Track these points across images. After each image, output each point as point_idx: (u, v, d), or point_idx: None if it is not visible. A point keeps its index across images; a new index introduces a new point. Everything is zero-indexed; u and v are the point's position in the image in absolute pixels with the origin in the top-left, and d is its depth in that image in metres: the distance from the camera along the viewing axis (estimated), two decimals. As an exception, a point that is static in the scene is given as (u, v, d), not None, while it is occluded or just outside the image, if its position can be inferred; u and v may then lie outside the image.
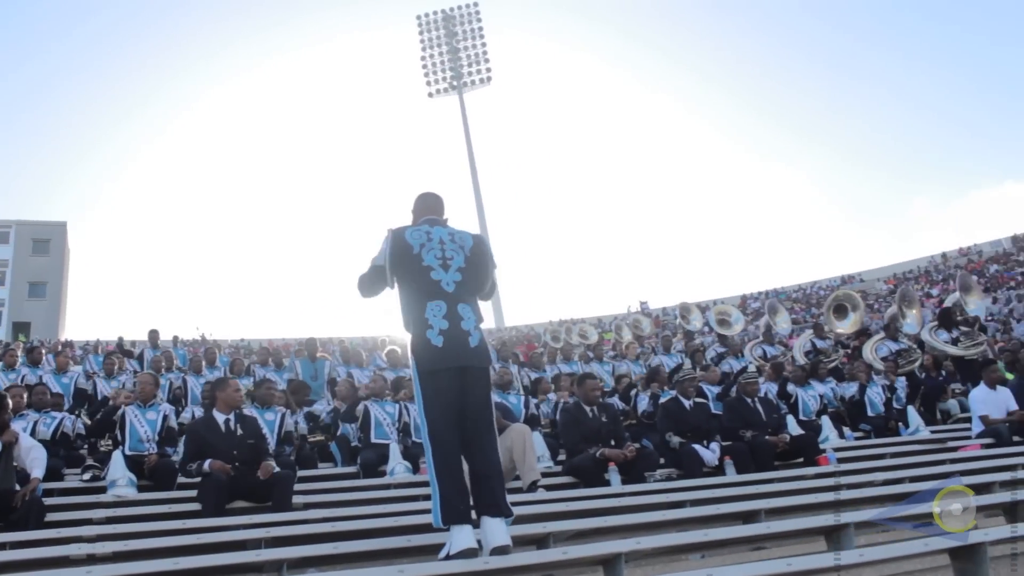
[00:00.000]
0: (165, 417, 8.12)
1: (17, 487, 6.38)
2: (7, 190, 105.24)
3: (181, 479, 7.35)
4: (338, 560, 5.04)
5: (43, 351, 14.36)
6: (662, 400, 9.25)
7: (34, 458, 6.64)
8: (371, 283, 4.91)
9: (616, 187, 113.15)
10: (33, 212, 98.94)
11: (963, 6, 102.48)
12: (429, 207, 5.09)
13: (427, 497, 4.88)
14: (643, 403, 10.28)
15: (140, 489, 7.29)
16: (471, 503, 4.52)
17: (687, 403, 8.69)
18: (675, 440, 8.23)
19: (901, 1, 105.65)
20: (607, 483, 7.42)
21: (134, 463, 7.46)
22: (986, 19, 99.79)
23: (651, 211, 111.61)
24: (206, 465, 6.55)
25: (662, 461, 8.19)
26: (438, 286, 4.70)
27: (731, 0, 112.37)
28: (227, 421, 6.90)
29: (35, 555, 5.11)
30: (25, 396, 8.63)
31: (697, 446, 8.13)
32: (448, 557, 4.30)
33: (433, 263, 4.73)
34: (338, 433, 9.24)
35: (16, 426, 7.20)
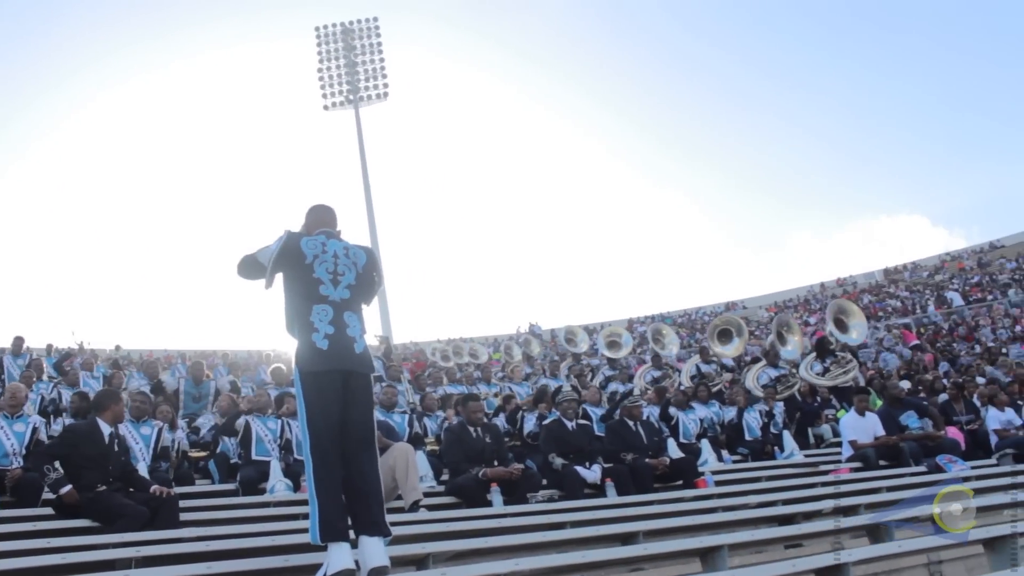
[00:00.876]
0: (35, 430, 7.74)
1: None
2: None
3: (46, 495, 7.06)
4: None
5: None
6: (546, 421, 9.32)
7: None
8: (249, 271, 4.91)
9: (510, 207, 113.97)
10: None
11: (850, 41, 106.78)
12: (323, 220, 5.06)
13: (308, 516, 4.83)
14: (530, 424, 10.34)
15: (1, 506, 6.96)
16: (350, 521, 4.48)
17: (570, 424, 8.77)
18: (558, 461, 8.29)
19: (791, 31, 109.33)
20: (489, 504, 7.42)
21: (-4, 477, 7.12)
22: (872, 56, 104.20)
23: (545, 231, 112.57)
24: (63, 490, 6.27)
25: (544, 482, 8.24)
26: (326, 298, 4.69)
27: (626, 24, 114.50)
28: (111, 434, 6.68)
29: None
30: None
31: (579, 467, 8.21)
32: (325, 577, 4.25)
33: (324, 277, 4.71)
34: (218, 450, 9.02)
35: None
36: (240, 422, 8.57)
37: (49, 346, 21.18)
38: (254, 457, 8.32)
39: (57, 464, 6.45)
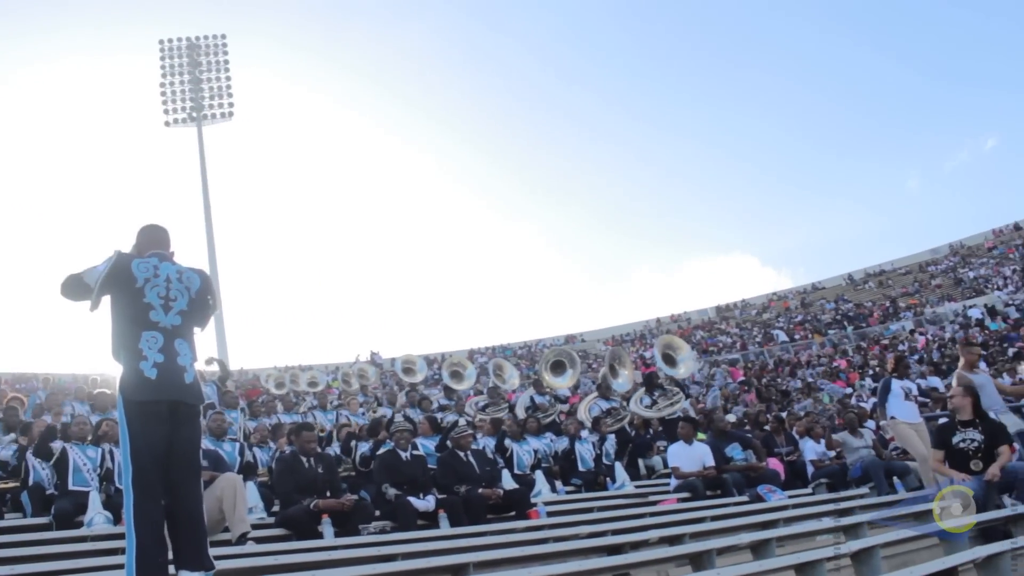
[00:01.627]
0: None
1: None
2: None
3: None
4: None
5: None
6: (380, 451, 9.23)
7: None
8: (74, 292, 4.65)
9: (355, 233, 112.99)
10: None
11: (697, 81, 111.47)
12: (156, 240, 4.88)
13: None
14: (363, 451, 10.20)
15: None
16: (170, 556, 4.31)
17: (404, 455, 8.71)
18: (391, 492, 8.22)
19: (640, 70, 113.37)
20: (321, 535, 7.28)
21: None
22: (716, 95, 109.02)
23: (390, 258, 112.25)
24: None
25: (377, 513, 8.15)
26: (156, 324, 4.53)
27: (479, 57, 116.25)
28: None
29: None
30: None
31: (412, 498, 8.15)
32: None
33: (155, 302, 4.55)
34: (30, 479, 8.46)
35: None
36: (56, 445, 8.11)
37: None
38: (71, 487, 7.87)
39: None
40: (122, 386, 4.49)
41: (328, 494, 7.73)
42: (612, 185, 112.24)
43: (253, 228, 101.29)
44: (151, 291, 4.57)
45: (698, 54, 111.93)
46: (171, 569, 4.31)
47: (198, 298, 4.77)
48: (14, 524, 7.85)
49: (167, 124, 54.35)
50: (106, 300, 4.62)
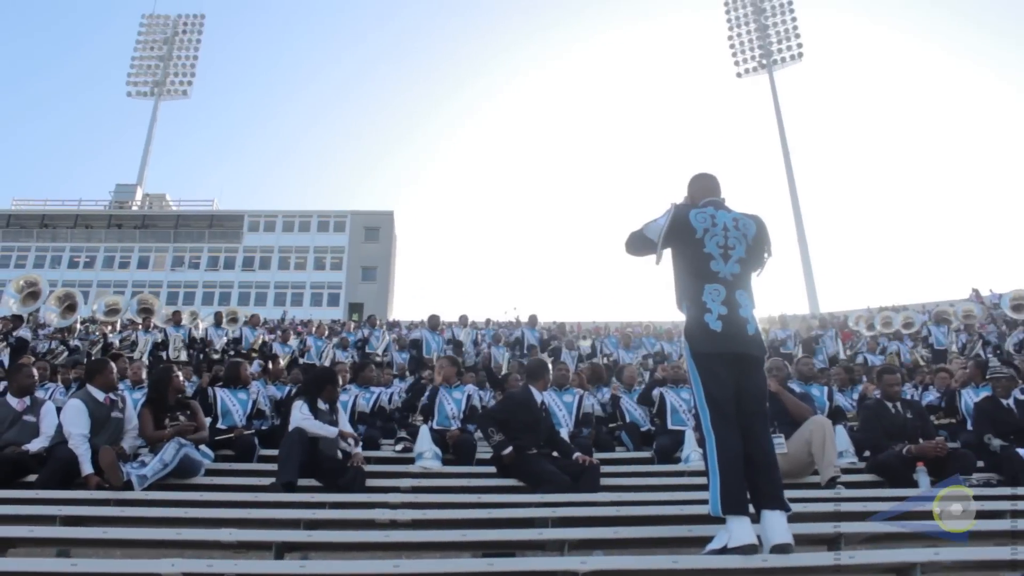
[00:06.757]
0: (469, 397, 8.56)
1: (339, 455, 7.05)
2: (344, 184, 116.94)
3: (480, 455, 7.79)
4: (619, 544, 5.06)
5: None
6: (977, 399, 8.44)
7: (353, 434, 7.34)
8: (638, 248, 4.92)
9: (937, 170, 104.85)
10: (364, 203, 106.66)
11: None
12: (708, 188, 4.95)
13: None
14: (969, 400, 9.39)
15: (444, 462, 7.73)
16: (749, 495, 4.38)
17: (1005, 402, 7.87)
18: (995, 442, 7.49)
19: None
20: (914, 484, 6.89)
21: (440, 437, 7.93)
22: None
23: (984, 194, 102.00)
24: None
25: (980, 464, 7.50)
26: (716, 275, 4.61)
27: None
28: (542, 402, 7.32)
29: (346, 516, 5.66)
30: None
31: (1021, 450, 7.35)
32: (725, 550, 4.19)
33: (714, 252, 4.63)
34: (627, 420, 9.27)
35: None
36: (655, 394, 8.78)
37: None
38: (670, 427, 8.48)
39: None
40: (689, 336, 4.63)
41: (919, 440, 7.28)
42: None
43: (833, 168, 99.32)
44: (710, 241, 4.63)
45: None
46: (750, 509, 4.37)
47: (755, 245, 4.74)
48: (621, 457, 8.59)
49: (738, 75, 55.95)
50: (668, 253, 4.78)
